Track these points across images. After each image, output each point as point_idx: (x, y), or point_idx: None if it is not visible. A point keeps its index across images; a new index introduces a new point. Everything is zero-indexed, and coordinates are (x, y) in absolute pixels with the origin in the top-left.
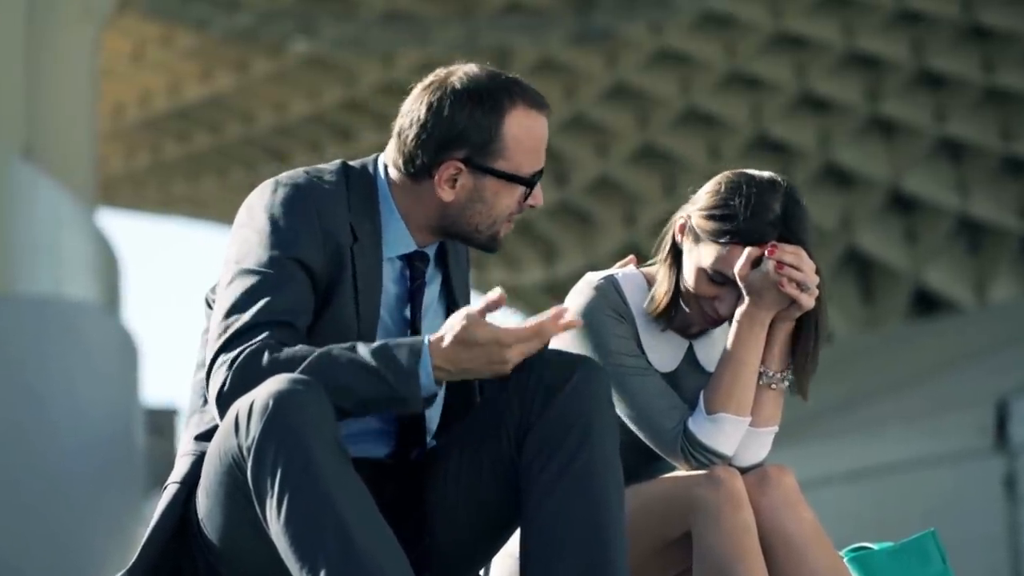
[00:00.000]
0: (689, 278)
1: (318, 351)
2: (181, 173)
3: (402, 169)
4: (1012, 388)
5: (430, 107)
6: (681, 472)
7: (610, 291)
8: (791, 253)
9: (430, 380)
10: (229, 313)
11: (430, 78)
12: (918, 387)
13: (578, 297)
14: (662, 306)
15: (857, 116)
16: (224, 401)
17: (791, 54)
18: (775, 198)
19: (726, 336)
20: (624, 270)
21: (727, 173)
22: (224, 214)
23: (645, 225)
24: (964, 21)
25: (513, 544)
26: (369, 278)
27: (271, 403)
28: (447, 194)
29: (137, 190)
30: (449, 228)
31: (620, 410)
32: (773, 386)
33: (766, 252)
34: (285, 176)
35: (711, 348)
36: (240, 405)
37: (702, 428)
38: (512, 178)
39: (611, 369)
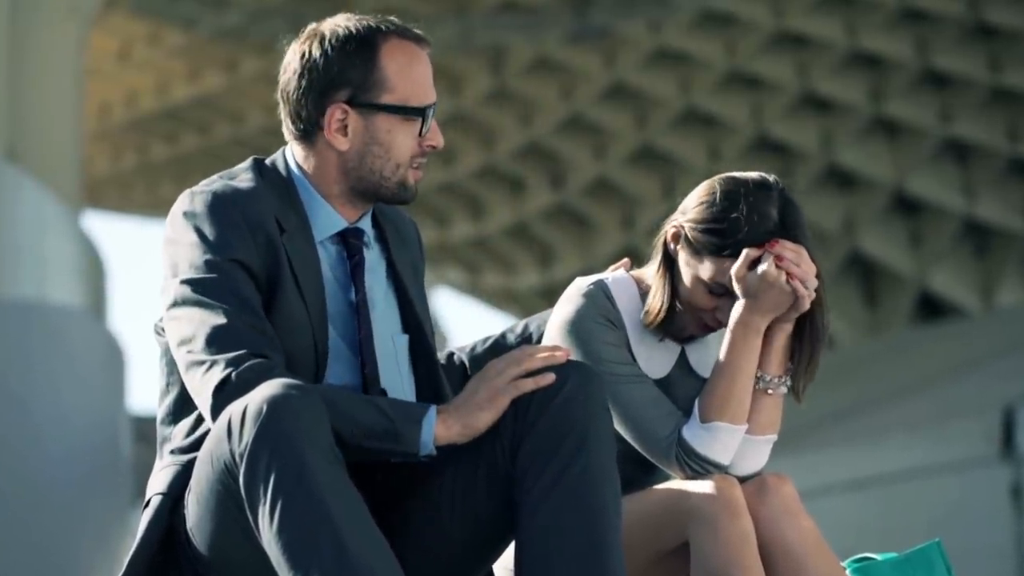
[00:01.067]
0: (687, 289)
1: (331, 385)
2: (169, 175)
3: (294, 131)
4: (1019, 395)
5: (303, 56)
6: (678, 481)
7: (600, 297)
8: (792, 249)
9: (430, 435)
10: (197, 324)
11: (303, 32)
12: (922, 394)
13: (567, 304)
14: (660, 317)
15: (860, 116)
16: (224, 398)
17: (793, 53)
18: (771, 203)
19: (719, 340)
20: (614, 274)
21: (717, 181)
22: None
23: (643, 228)
24: (970, 19)
25: (508, 557)
26: (306, 265)
27: (265, 408)
28: (341, 142)
29: (123, 192)
30: (357, 184)
31: (612, 419)
32: (771, 391)
33: (767, 246)
34: (200, 185)
35: (704, 352)
36: (233, 410)
37: (697, 437)
38: (401, 110)
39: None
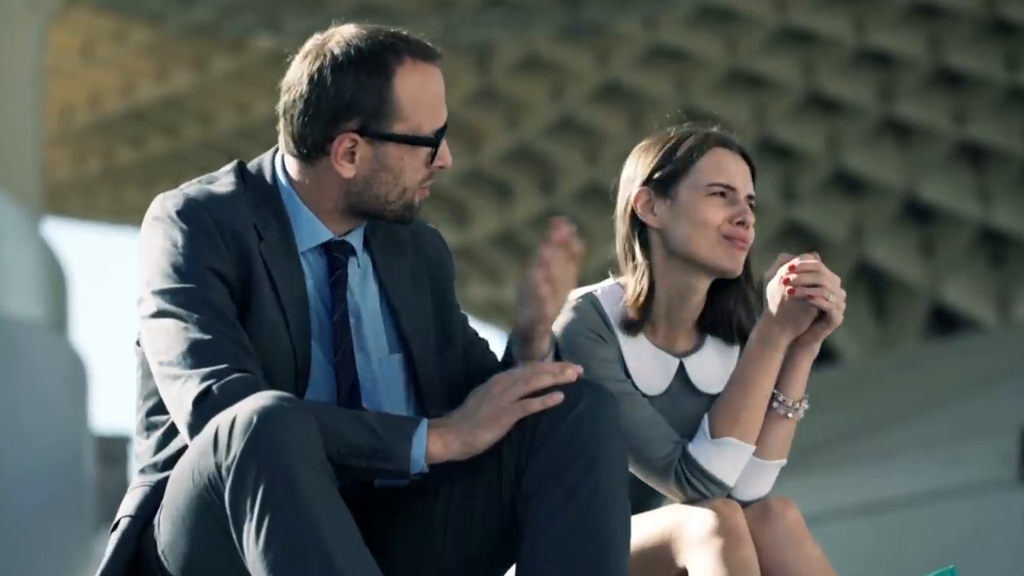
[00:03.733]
0: (696, 223)
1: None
2: (135, 180)
3: (294, 151)
4: None
5: (311, 79)
6: (677, 505)
7: (590, 311)
8: (811, 266)
9: (421, 452)
10: (174, 336)
11: (307, 45)
12: (935, 413)
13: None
14: (643, 296)
15: (869, 118)
16: (204, 411)
17: (798, 51)
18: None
19: (719, 355)
20: (603, 285)
21: (638, 146)
22: None
23: None
24: (985, 15)
25: None
26: (287, 276)
27: (255, 419)
28: (347, 170)
29: (87, 198)
30: (356, 206)
31: (625, 443)
32: (789, 415)
33: (785, 265)
34: (174, 190)
35: (704, 366)
36: (220, 421)
37: (704, 453)
38: (414, 140)
39: None
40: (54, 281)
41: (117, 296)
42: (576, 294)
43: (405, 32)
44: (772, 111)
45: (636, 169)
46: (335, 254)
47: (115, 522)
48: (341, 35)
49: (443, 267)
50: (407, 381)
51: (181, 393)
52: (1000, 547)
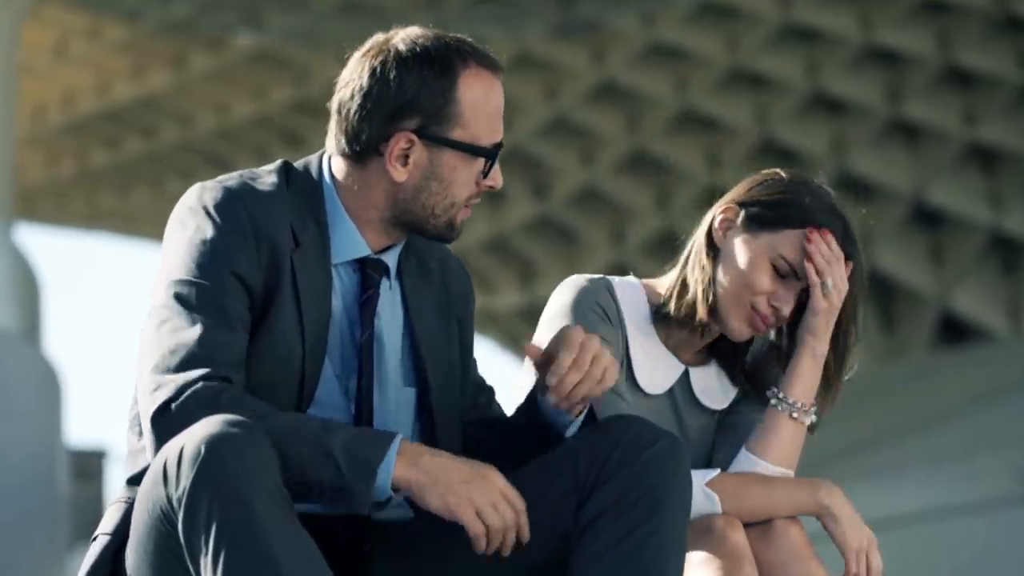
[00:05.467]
0: (741, 272)
1: (286, 414)
2: (110, 183)
3: (346, 149)
4: None
5: (373, 73)
6: None
7: (601, 290)
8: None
9: (387, 480)
10: (166, 334)
11: (369, 43)
12: (945, 426)
13: (563, 293)
14: (700, 303)
15: (876, 119)
16: (160, 430)
17: (801, 49)
18: (824, 187)
19: (720, 378)
20: (621, 278)
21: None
22: (158, 229)
23: (635, 242)
24: (996, 12)
25: None
26: (313, 287)
27: (203, 448)
28: (399, 173)
29: (60, 202)
30: (401, 216)
31: (692, 494)
32: (793, 415)
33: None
34: (215, 180)
35: (709, 379)
36: (169, 450)
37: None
38: (472, 149)
39: None
40: (26, 288)
41: (92, 304)
42: (588, 276)
43: (470, 39)
44: (775, 112)
45: (737, 193)
46: (369, 272)
47: (92, 538)
48: (407, 34)
49: (466, 304)
50: (415, 417)
51: (145, 405)
52: (1011, 565)
